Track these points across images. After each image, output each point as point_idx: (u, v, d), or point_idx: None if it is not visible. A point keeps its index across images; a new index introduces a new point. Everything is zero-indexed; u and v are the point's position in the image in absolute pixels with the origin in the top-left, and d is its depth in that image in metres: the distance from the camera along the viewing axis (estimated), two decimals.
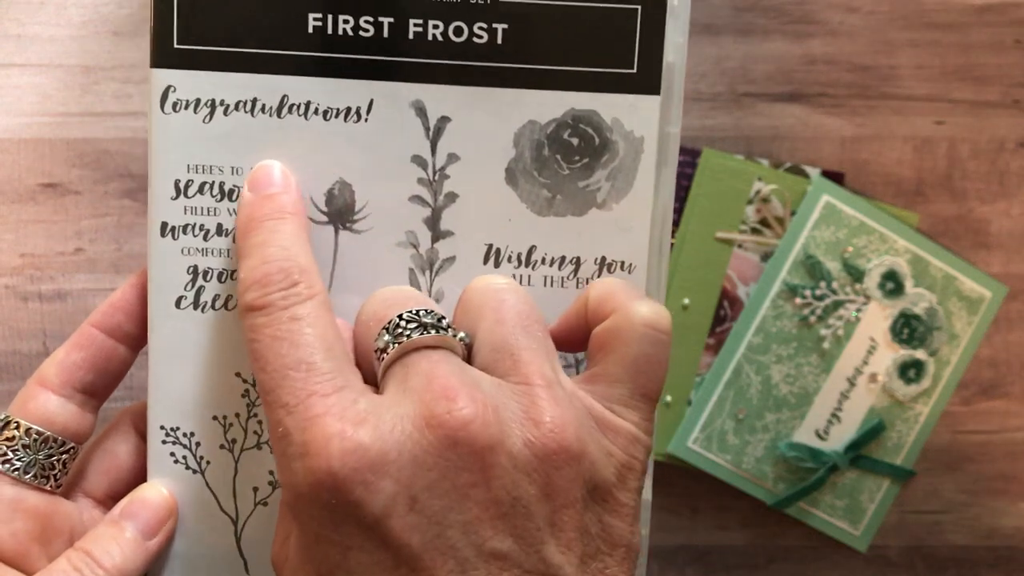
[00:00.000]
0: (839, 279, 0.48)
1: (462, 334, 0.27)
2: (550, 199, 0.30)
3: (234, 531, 0.31)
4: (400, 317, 0.27)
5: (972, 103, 0.49)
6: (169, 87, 0.30)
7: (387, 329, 0.26)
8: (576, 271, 0.30)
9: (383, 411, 0.25)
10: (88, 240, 0.49)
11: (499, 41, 0.29)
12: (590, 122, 0.30)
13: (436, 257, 0.31)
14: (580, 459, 0.25)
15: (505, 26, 0.29)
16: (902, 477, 0.49)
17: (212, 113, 0.30)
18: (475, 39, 0.29)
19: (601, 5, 0.29)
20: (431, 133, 0.30)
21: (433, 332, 0.26)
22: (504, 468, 0.24)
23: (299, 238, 0.28)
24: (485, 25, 0.29)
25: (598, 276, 0.30)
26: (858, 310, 0.48)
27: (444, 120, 0.30)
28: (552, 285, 0.31)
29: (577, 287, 0.30)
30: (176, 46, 0.29)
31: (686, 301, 0.47)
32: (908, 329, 0.49)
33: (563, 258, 0.30)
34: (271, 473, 0.31)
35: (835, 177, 0.49)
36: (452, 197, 0.30)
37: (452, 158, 0.30)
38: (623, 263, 0.30)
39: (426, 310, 0.27)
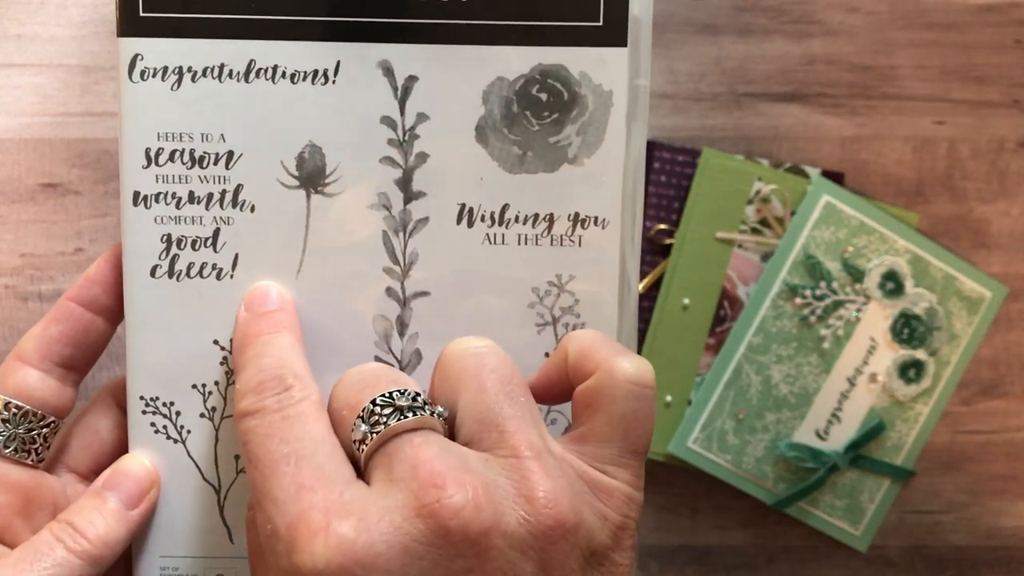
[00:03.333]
0: (839, 279, 0.48)
1: (439, 409, 0.26)
2: (521, 156, 0.30)
3: (217, 500, 0.31)
4: (374, 403, 0.26)
5: (972, 103, 0.49)
6: (137, 55, 0.29)
7: (362, 418, 0.26)
8: (550, 228, 0.30)
9: (369, 504, 0.24)
10: (88, 240, 0.49)
11: None
12: (558, 76, 0.30)
13: (409, 218, 0.30)
14: (576, 530, 0.25)
15: None
16: (902, 477, 0.49)
17: (180, 80, 0.30)
18: None
19: None
20: (399, 93, 0.30)
21: (410, 415, 0.25)
22: (500, 550, 0.24)
23: (294, 349, 0.28)
24: None
25: (571, 232, 0.30)
26: (858, 310, 0.48)
27: (412, 79, 0.30)
28: (526, 243, 0.30)
29: (551, 244, 0.30)
30: (142, 14, 0.29)
31: (686, 301, 0.47)
32: (908, 329, 0.49)
33: (536, 215, 0.30)
34: None
35: (835, 177, 0.49)
36: (423, 157, 0.30)
37: (421, 118, 0.30)
38: (596, 218, 0.30)
39: (399, 391, 0.26)
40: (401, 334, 0.31)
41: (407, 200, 0.30)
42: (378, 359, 0.30)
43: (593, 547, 0.25)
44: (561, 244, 0.30)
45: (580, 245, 0.30)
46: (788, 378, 0.48)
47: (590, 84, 0.29)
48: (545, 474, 0.25)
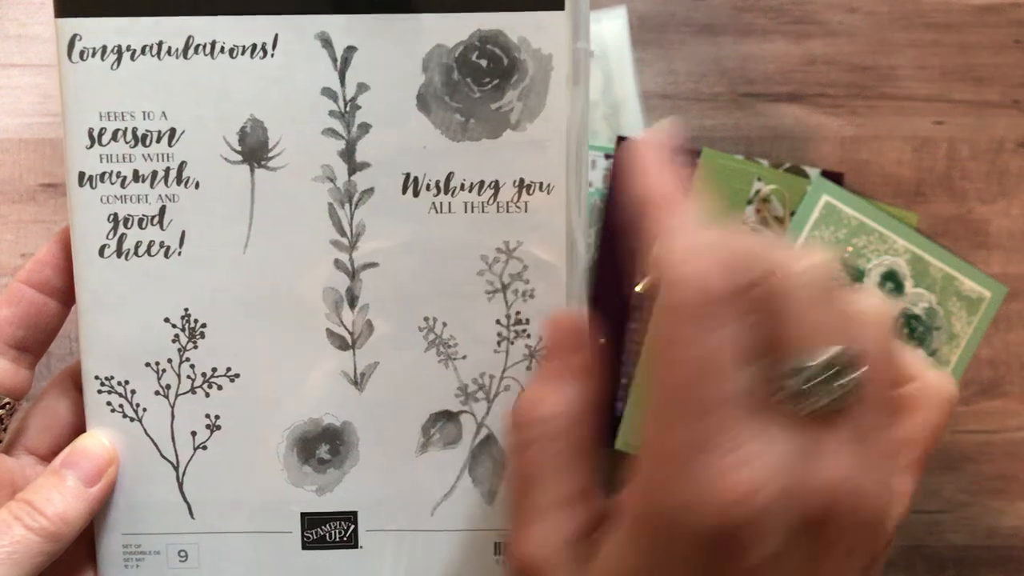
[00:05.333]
0: (839, 279, 0.48)
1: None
2: (463, 123, 0.30)
3: (176, 476, 0.31)
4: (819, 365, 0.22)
5: (972, 103, 0.50)
6: (75, 35, 0.29)
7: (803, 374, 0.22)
8: (496, 195, 0.30)
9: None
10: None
11: None
12: (497, 42, 0.30)
13: (354, 189, 0.30)
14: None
15: None
16: None
17: (119, 59, 0.30)
18: None
19: None
20: (339, 64, 0.30)
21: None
22: None
23: None
24: None
25: (517, 198, 0.30)
26: None
27: (351, 50, 0.30)
28: (472, 211, 0.30)
29: (498, 211, 0.30)
30: None
31: None
32: (908, 329, 0.49)
33: (482, 182, 0.30)
34: (207, 416, 0.31)
35: (835, 177, 0.49)
36: (365, 128, 0.30)
37: (362, 88, 0.30)
38: (541, 184, 0.30)
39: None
40: (352, 306, 0.31)
41: (351, 171, 0.30)
42: (329, 332, 0.30)
43: None
44: (507, 211, 0.30)
45: (526, 211, 0.30)
46: None
47: (529, 49, 0.29)
48: None
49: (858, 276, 0.49)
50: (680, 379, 0.22)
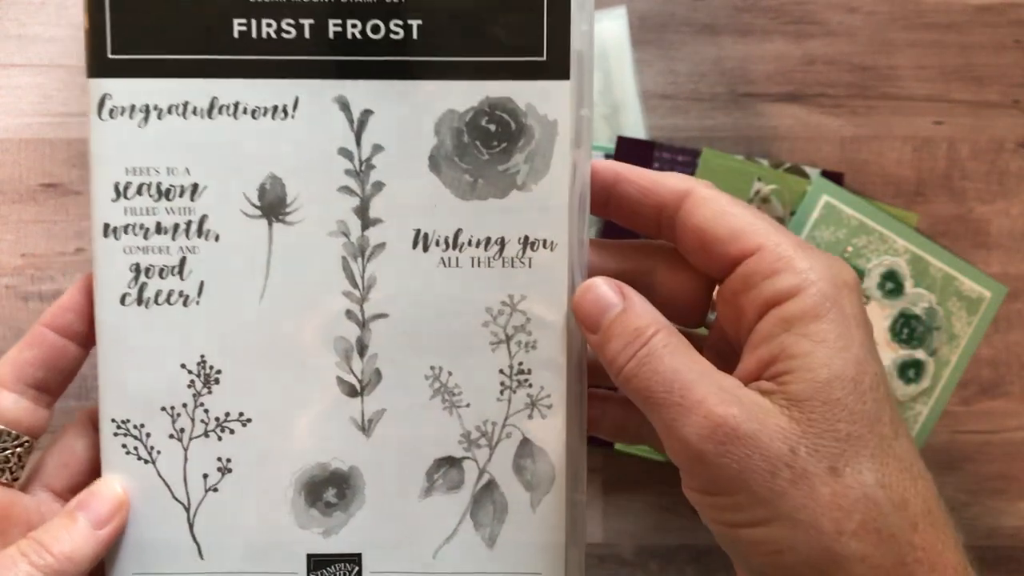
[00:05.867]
0: None
1: None
2: (472, 183, 0.32)
3: (187, 518, 0.33)
4: None
5: (971, 103, 0.50)
6: (105, 95, 0.31)
7: None
8: (501, 251, 0.32)
9: None
10: (88, 240, 0.49)
11: (415, 36, 0.31)
12: (505, 108, 0.32)
13: (367, 244, 0.32)
14: None
15: (419, 22, 0.31)
16: None
17: (147, 118, 0.32)
18: (392, 35, 0.31)
19: None
20: (355, 126, 0.32)
21: None
22: None
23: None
24: (400, 22, 0.31)
25: (521, 254, 0.32)
26: None
27: (367, 113, 0.32)
28: (479, 265, 0.32)
29: (503, 266, 0.32)
30: (110, 56, 0.31)
31: None
32: (908, 329, 0.49)
33: (488, 239, 0.32)
34: (219, 459, 0.32)
35: (835, 177, 0.49)
36: (379, 186, 0.32)
37: (377, 149, 0.32)
38: (545, 240, 0.32)
39: None
40: (361, 354, 0.32)
41: (364, 227, 0.32)
42: (339, 379, 0.32)
43: None
44: (512, 266, 0.32)
45: (530, 266, 0.32)
46: None
47: (536, 115, 0.32)
48: None
49: (858, 276, 0.49)
50: None
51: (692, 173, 0.48)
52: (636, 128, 0.49)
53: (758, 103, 0.50)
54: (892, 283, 0.49)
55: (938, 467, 0.50)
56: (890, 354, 0.49)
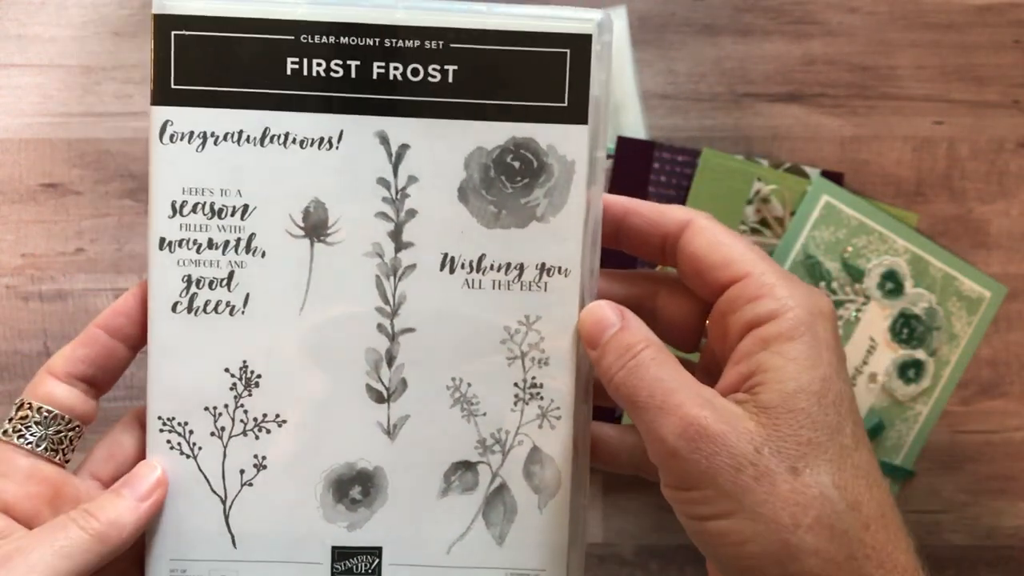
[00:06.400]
0: (839, 279, 0.48)
1: None
2: (496, 214, 0.35)
3: (223, 509, 0.36)
4: None
5: (971, 103, 0.50)
6: (167, 121, 0.35)
7: None
8: (520, 275, 0.35)
9: None
10: (89, 240, 0.49)
11: (450, 80, 0.35)
12: (529, 148, 0.35)
13: (399, 265, 0.35)
14: None
15: (455, 67, 0.34)
16: (902, 477, 0.49)
17: (204, 143, 0.35)
18: (430, 78, 0.35)
19: (536, 50, 0.34)
20: (393, 159, 0.35)
21: None
22: None
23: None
24: (438, 67, 0.34)
25: (538, 279, 0.36)
26: (858, 310, 0.48)
27: (404, 147, 0.35)
28: (500, 288, 0.35)
29: (521, 289, 0.35)
30: (173, 87, 0.34)
31: None
32: (908, 329, 0.49)
33: (509, 264, 0.35)
34: (255, 457, 0.36)
35: (835, 177, 0.49)
36: (412, 213, 0.35)
37: (412, 180, 0.35)
38: (559, 268, 0.35)
39: None
40: (389, 365, 0.35)
41: (398, 249, 0.35)
42: (368, 387, 0.36)
43: None
44: (530, 289, 0.35)
45: (546, 290, 0.35)
46: None
47: (556, 155, 0.35)
48: None
49: (858, 276, 0.49)
50: None
51: (692, 173, 0.48)
52: (636, 128, 0.49)
53: (758, 103, 0.50)
54: (892, 283, 0.49)
55: (938, 467, 0.50)
56: (890, 354, 0.49)
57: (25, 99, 0.49)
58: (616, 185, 0.49)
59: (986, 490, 0.51)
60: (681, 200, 0.48)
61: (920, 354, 0.49)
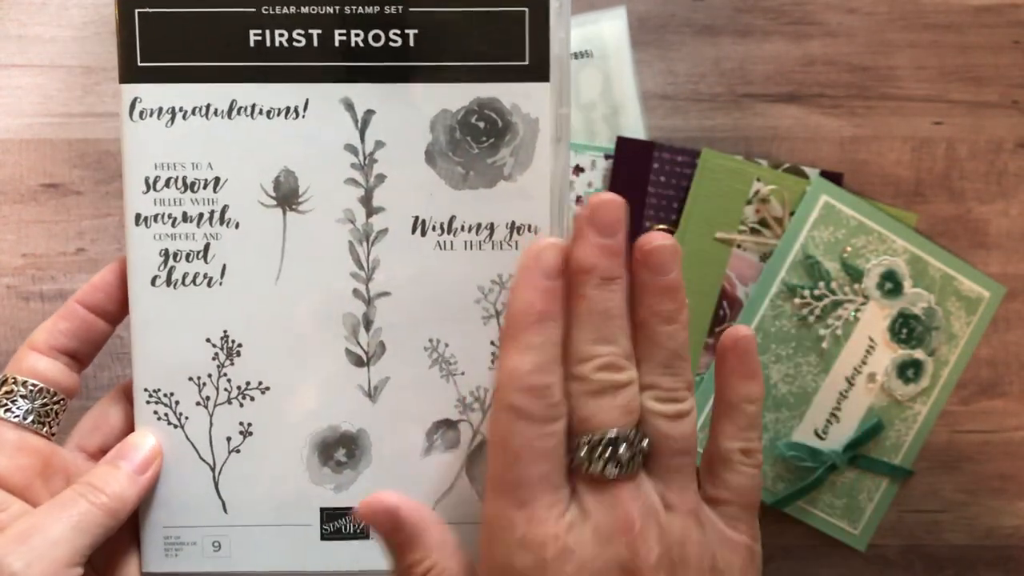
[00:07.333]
0: (838, 279, 0.48)
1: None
2: (464, 175, 0.36)
3: (212, 476, 0.37)
4: (604, 442, 0.30)
5: (970, 104, 0.50)
6: (136, 98, 0.35)
7: (588, 445, 0.31)
8: (491, 235, 0.36)
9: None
10: (89, 240, 0.49)
11: (412, 44, 0.35)
12: (493, 107, 0.35)
13: (371, 230, 0.36)
14: None
15: (416, 31, 0.35)
16: (901, 476, 0.50)
17: (173, 118, 0.35)
18: (391, 43, 0.35)
19: (495, 9, 0.35)
20: (359, 124, 0.36)
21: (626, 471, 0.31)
22: None
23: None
24: (399, 31, 0.35)
25: (509, 238, 0.36)
26: (857, 310, 0.49)
27: (370, 113, 0.36)
28: (471, 248, 0.36)
29: (492, 249, 0.36)
30: (140, 64, 0.35)
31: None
32: (907, 329, 0.49)
33: (479, 224, 0.36)
34: (241, 424, 0.36)
35: (834, 177, 0.49)
36: (381, 178, 0.36)
37: (379, 145, 0.36)
38: (529, 226, 0.36)
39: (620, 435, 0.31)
40: (367, 329, 0.36)
41: (369, 214, 0.36)
42: (347, 351, 0.36)
43: None
44: (500, 248, 0.36)
45: (516, 249, 0.36)
46: (787, 378, 0.48)
47: (520, 113, 0.36)
48: None
49: (857, 276, 0.49)
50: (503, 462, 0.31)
51: (691, 173, 0.48)
52: (636, 128, 0.49)
53: (757, 103, 0.50)
54: (891, 283, 0.49)
55: (937, 467, 0.51)
56: (889, 354, 0.49)
57: (26, 99, 0.49)
58: (616, 186, 0.49)
59: (985, 490, 0.52)
60: (681, 200, 0.49)
61: (919, 354, 0.50)
